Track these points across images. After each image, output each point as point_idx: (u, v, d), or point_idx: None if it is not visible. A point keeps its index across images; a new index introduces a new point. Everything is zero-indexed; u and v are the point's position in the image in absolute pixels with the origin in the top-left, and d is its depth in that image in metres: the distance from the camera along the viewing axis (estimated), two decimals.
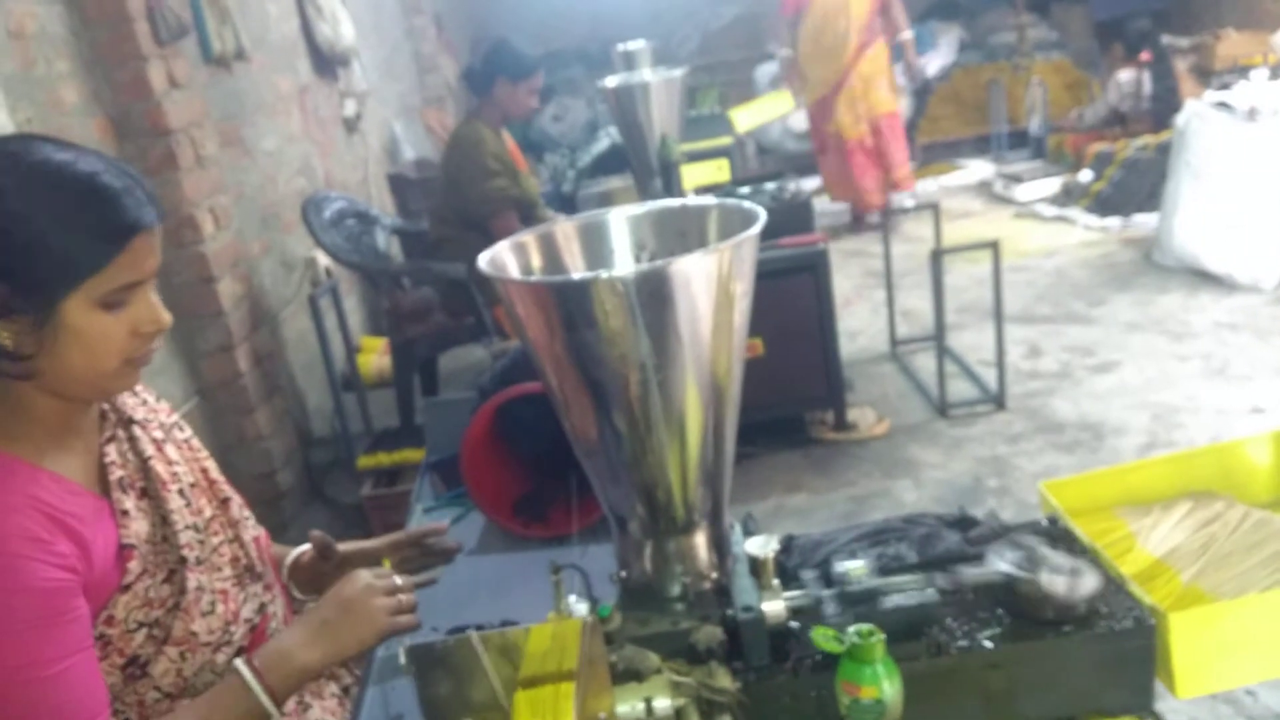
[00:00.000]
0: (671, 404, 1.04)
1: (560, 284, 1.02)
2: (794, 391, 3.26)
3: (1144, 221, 4.85)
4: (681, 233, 1.14)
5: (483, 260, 1.05)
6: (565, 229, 1.14)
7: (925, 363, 3.68)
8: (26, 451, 1.04)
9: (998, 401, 3.33)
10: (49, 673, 0.97)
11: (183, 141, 2.88)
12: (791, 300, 3.19)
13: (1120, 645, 1.04)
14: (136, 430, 1.15)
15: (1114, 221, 5.05)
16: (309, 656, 1.10)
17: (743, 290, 1.06)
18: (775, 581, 1.09)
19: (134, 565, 1.08)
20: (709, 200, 1.14)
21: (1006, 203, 5.80)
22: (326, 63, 4.69)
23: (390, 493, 3.02)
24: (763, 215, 1.08)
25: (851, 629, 0.97)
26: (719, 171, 4.74)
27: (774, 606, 1.06)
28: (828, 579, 1.11)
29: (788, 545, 1.25)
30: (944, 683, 1.04)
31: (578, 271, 1.12)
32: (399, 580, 1.17)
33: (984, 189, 6.19)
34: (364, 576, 1.16)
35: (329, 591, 1.17)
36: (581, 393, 1.04)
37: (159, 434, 1.19)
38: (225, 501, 1.25)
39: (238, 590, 1.19)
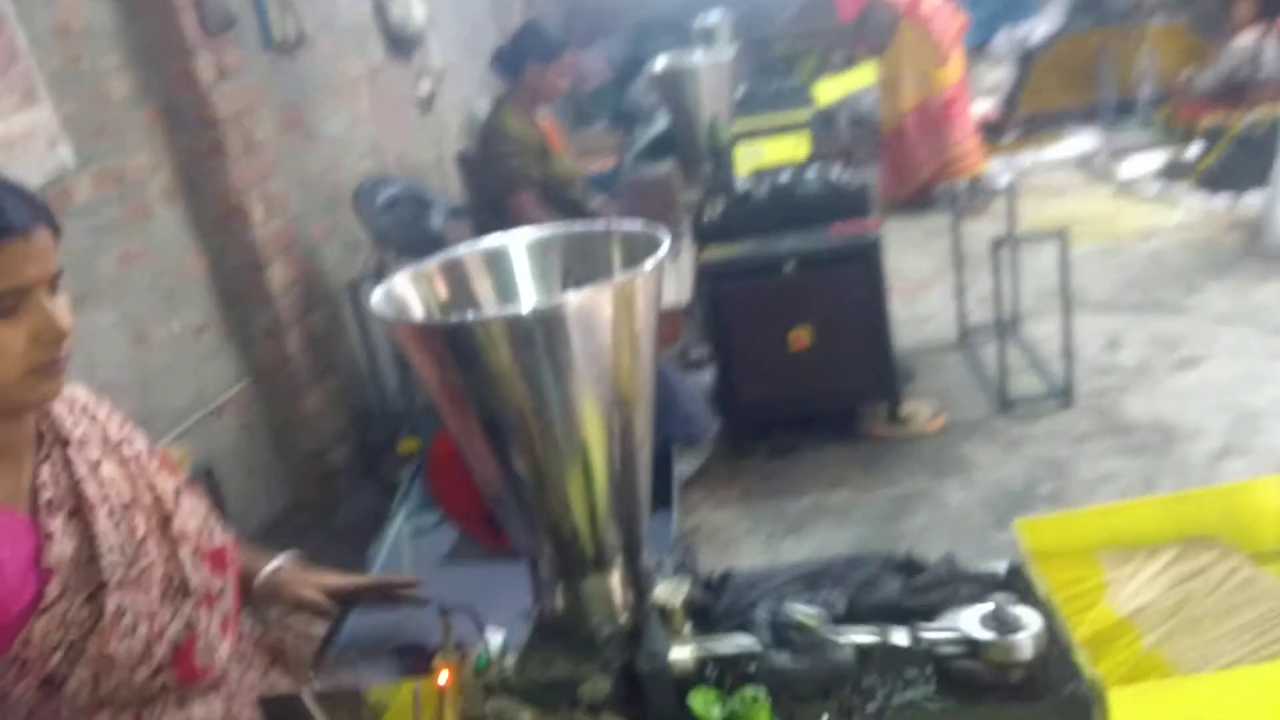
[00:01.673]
0: (570, 443, 0.99)
1: (439, 326, 0.97)
2: (844, 384, 3.15)
3: (1253, 203, 4.50)
4: (587, 260, 1.07)
5: (378, 295, 1.01)
6: (473, 259, 1.09)
7: (995, 354, 3.50)
8: None
9: (1064, 398, 3.14)
10: None
11: (231, 131, 2.94)
12: (842, 289, 3.06)
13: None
14: (71, 451, 1.16)
15: (1220, 202, 4.70)
16: None
17: (643, 323, 0.99)
18: (687, 628, 1.03)
19: (52, 588, 1.08)
20: (609, 227, 1.08)
21: (1108, 179, 5.46)
22: (400, 43, 4.72)
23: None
24: (664, 246, 1.00)
25: (742, 692, 0.91)
26: (797, 147, 4.59)
27: (681, 655, 1.01)
28: (746, 626, 1.04)
29: (722, 583, 1.18)
30: None
31: (483, 303, 1.07)
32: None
33: (1085, 163, 5.84)
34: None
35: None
36: (476, 432, 1.00)
37: (95, 453, 1.19)
38: (166, 520, 1.24)
39: (166, 609, 1.19)
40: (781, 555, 2.62)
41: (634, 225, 1.07)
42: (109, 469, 1.19)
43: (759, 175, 3.30)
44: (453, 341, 0.94)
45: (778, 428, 3.18)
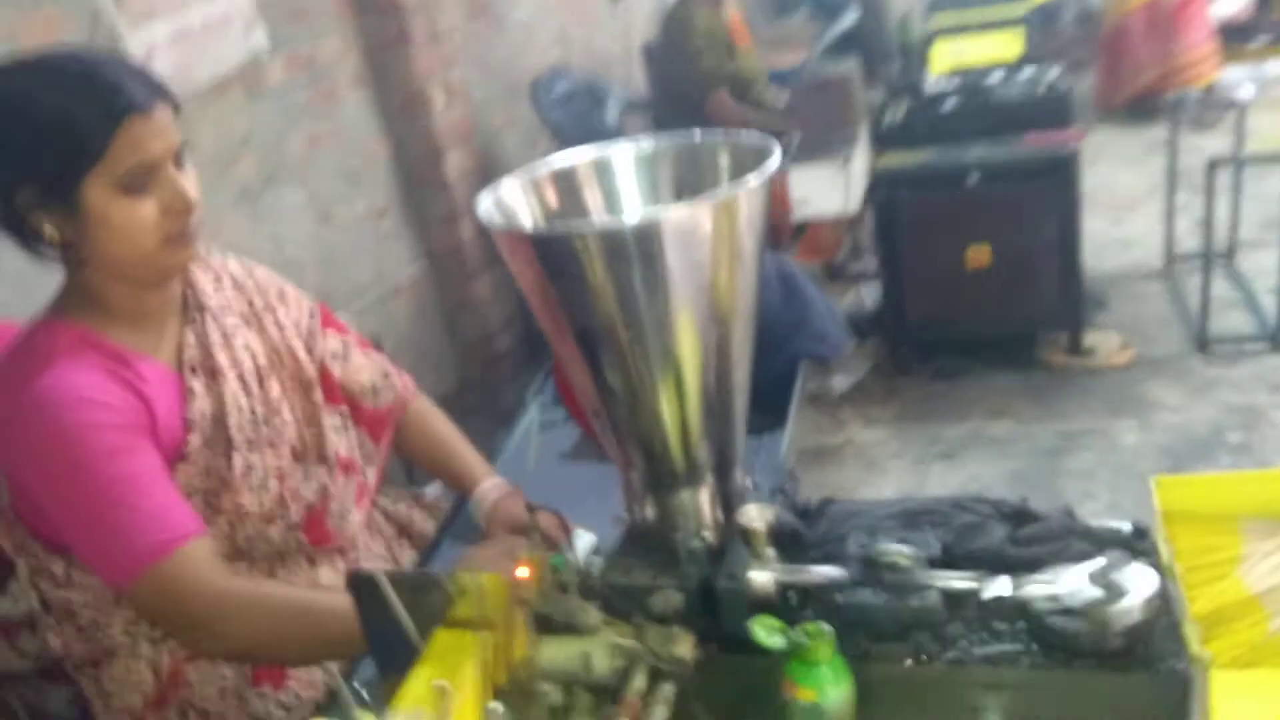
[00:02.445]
0: (664, 358, 0.97)
1: (534, 236, 0.97)
2: (1024, 308, 2.96)
3: None
4: (694, 170, 1.03)
5: (485, 199, 1.01)
6: (585, 167, 1.07)
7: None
8: (103, 329, 1.15)
9: (1273, 340, 2.83)
10: (141, 484, 1.09)
11: (417, 18, 3.01)
12: (1031, 205, 2.85)
13: (1148, 695, 0.88)
14: (208, 317, 1.24)
15: None
16: None
17: (746, 239, 0.95)
18: (770, 552, 1.01)
19: (194, 438, 1.17)
20: (719, 137, 1.03)
21: None
22: None
23: None
24: (776, 155, 0.95)
25: (806, 625, 0.89)
26: (1008, 45, 4.24)
27: (761, 578, 0.99)
28: (836, 557, 1.02)
29: (820, 511, 1.14)
30: (919, 696, 0.93)
31: (590, 213, 1.06)
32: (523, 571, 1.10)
33: None
34: (503, 545, 1.22)
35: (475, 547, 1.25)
36: (570, 343, 1.00)
37: (232, 321, 1.26)
38: (307, 386, 1.32)
39: (298, 471, 1.27)
40: (929, 482, 2.53)
41: (745, 136, 1.02)
42: (247, 337, 1.27)
43: (953, 77, 3.08)
44: (548, 251, 0.93)
45: (945, 349, 3.04)
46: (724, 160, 1.02)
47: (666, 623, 0.99)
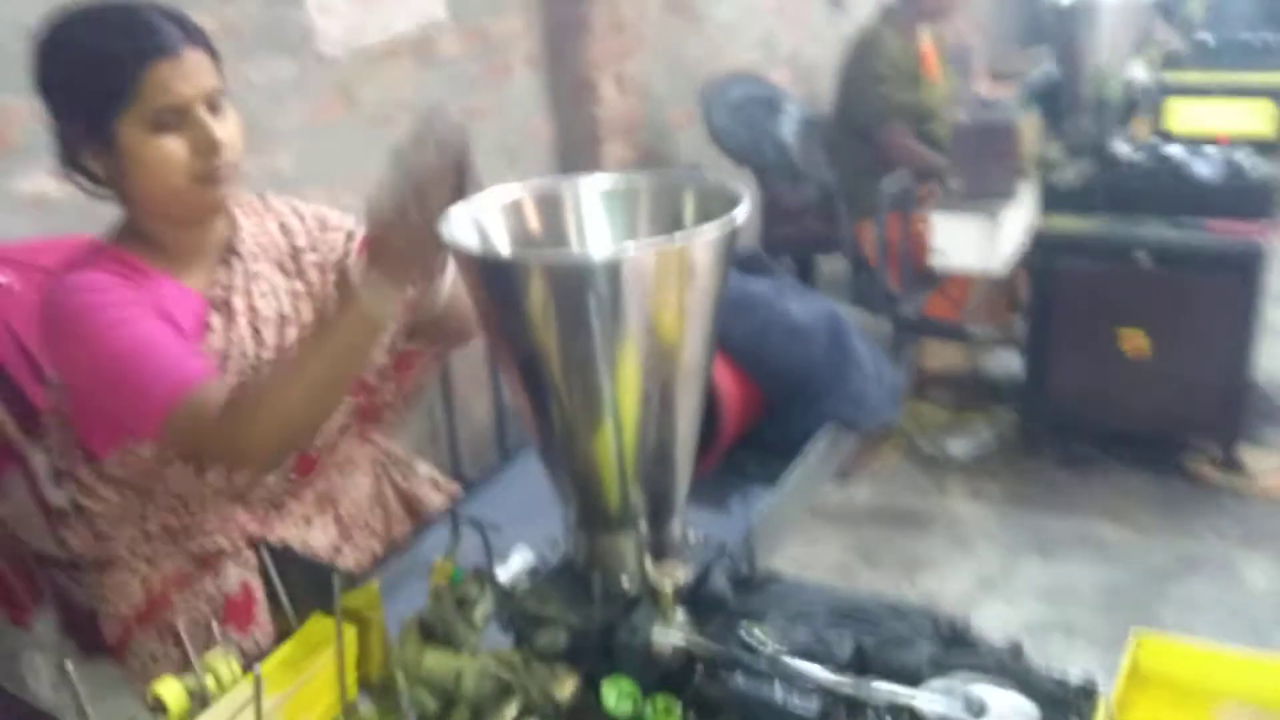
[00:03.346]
0: (598, 399, 0.95)
1: (484, 260, 0.96)
2: (1178, 407, 2.69)
3: None
4: (660, 211, 1.00)
5: (461, 212, 1.01)
6: (573, 193, 1.05)
7: None
8: (147, 258, 1.23)
9: None
10: (155, 341, 1.15)
11: (600, 6, 3.05)
12: (1204, 298, 2.59)
13: None
14: (235, 260, 1.29)
15: None
16: (397, 278, 1.10)
17: (698, 287, 0.91)
18: (677, 613, 0.98)
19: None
20: (687, 176, 0.99)
21: None
22: None
23: None
24: (744, 204, 0.91)
25: (657, 698, 0.85)
26: (1257, 116, 3.83)
27: (663, 639, 0.96)
28: (741, 641, 0.96)
29: (759, 584, 1.08)
30: None
31: (557, 242, 1.04)
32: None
33: None
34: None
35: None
36: (513, 368, 0.99)
37: (259, 267, 1.30)
38: None
39: None
40: (1015, 576, 2.35)
41: (715, 179, 0.98)
42: (275, 283, 1.30)
43: (1147, 145, 2.83)
44: (492, 274, 0.93)
45: (1082, 435, 2.81)
46: (689, 204, 0.98)
47: (549, 660, 0.97)
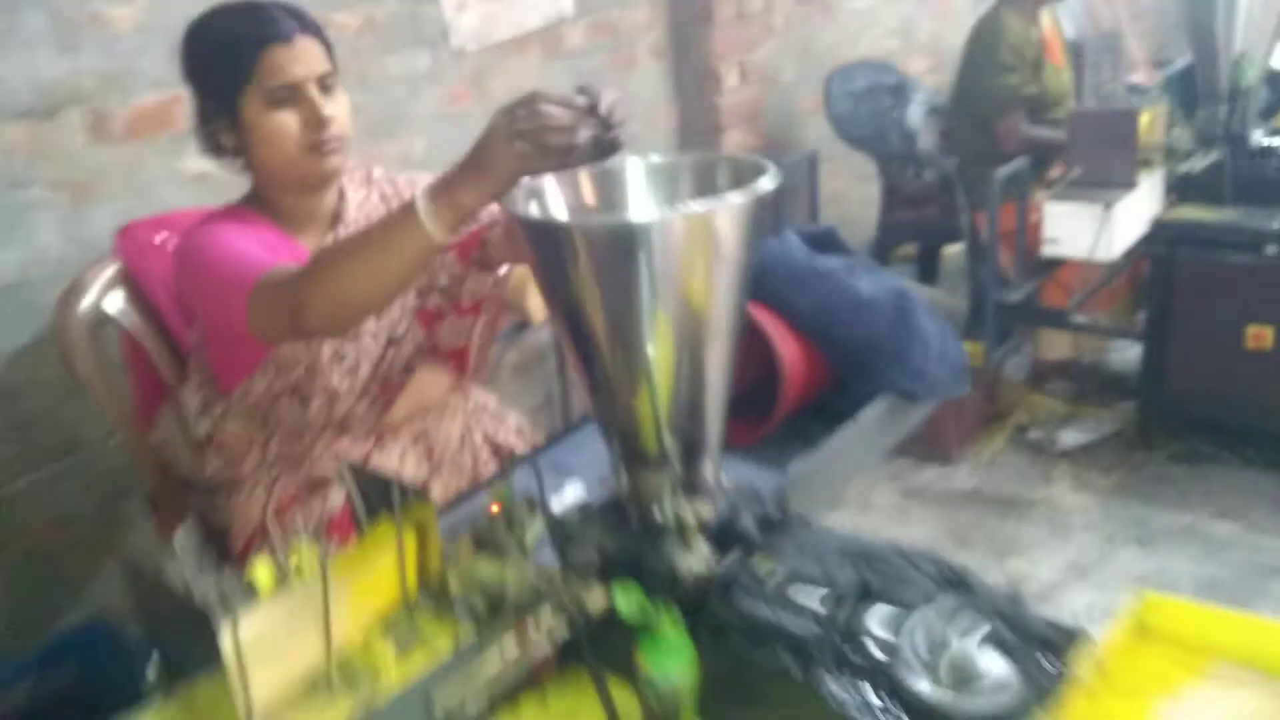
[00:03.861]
0: (635, 352, 1.07)
1: (535, 223, 1.09)
2: None
3: None
4: (701, 186, 1.11)
5: (520, 189, 1.12)
6: (627, 170, 1.18)
7: None
8: (269, 219, 1.42)
9: None
10: (249, 257, 1.30)
11: (724, 0, 3.15)
12: None
13: None
14: (341, 227, 1.46)
15: None
16: (465, 195, 1.11)
17: (725, 253, 1.02)
18: (701, 544, 1.09)
19: None
20: (722, 155, 1.09)
21: None
22: None
23: None
24: (769, 177, 1.01)
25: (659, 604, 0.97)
26: None
27: (684, 564, 1.08)
28: (751, 569, 1.07)
29: (781, 526, 1.18)
30: (767, 703, 0.98)
31: (606, 212, 1.16)
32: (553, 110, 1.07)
33: None
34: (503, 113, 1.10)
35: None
36: (564, 326, 1.12)
37: None
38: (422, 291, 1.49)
39: (390, 353, 1.47)
40: (1110, 561, 2.33)
41: (748, 158, 1.08)
42: None
43: None
44: (542, 237, 1.07)
45: (1201, 430, 2.73)
46: (723, 178, 1.09)
47: (585, 576, 1.10)
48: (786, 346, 1.51)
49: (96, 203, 1.96)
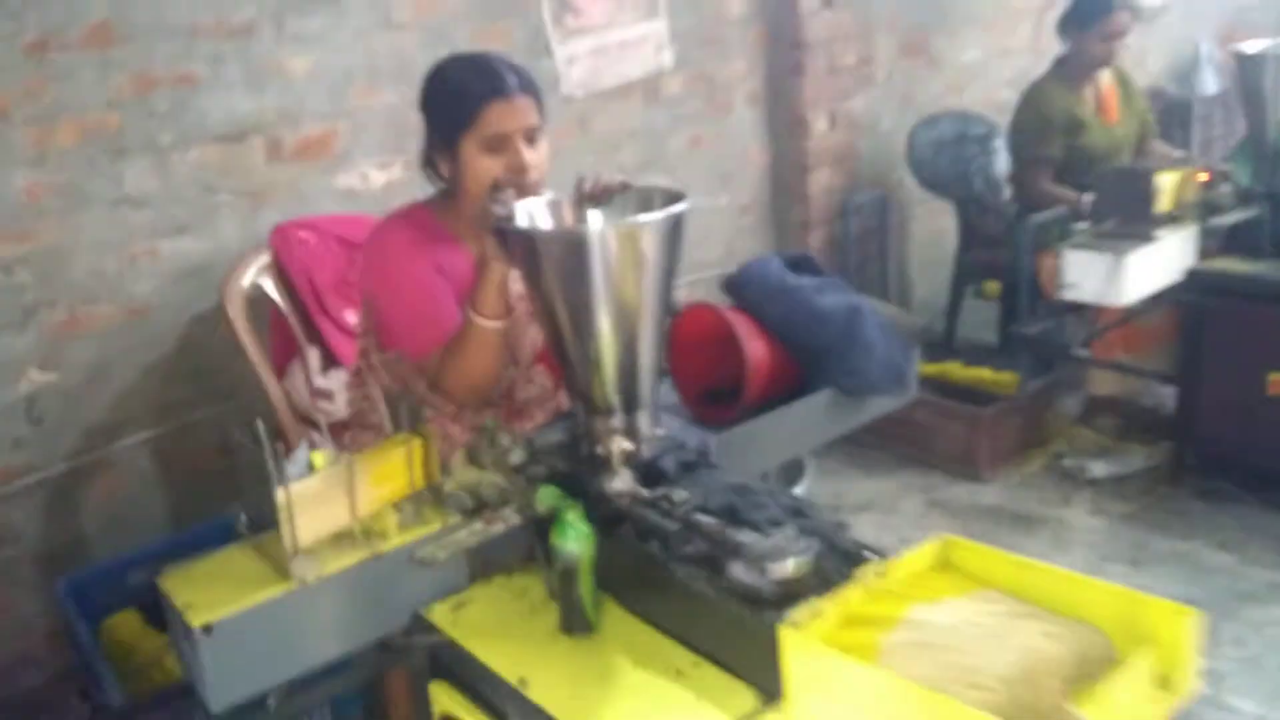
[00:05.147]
0: (586, 328, 1.48)
1: (518, 231, 1.52)
2: None
3: None
4: (646, 209, 1.51)
5: (521, 206, 1.57)
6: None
7: None
8: (446, 223, 1.76)
9: None
10: (436, 293, 1.68)
11: (817, 53, 3.53)
12: None
13: (766, 634, 1.23)
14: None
15: None
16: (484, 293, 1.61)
17: (651, 256, 1.42)
18: (625, 472, 1.50)
19: None
20: (660, 188, 1.50)
21: None
22: None
23: None
24: (681, 205, 1.41)
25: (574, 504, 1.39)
26: None
27: (611, 487, 1.49)
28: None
29: (693, 465, 1.55)
30: (636, 578, 1.38)
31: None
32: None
33: None
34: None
35: None
36: (539, 310, 1.54)
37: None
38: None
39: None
40: (1095, 575, 2.52)
41: (675, 189, 1.48)
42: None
43: None
44: (522, 242, 1.50)
45: (1229, 471, 2.87)
46: (659, 204, 1.49)
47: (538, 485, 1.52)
48: (754, 347, 1.88)
49: (268, 207, 2.55)
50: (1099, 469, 3.02)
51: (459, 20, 2.81)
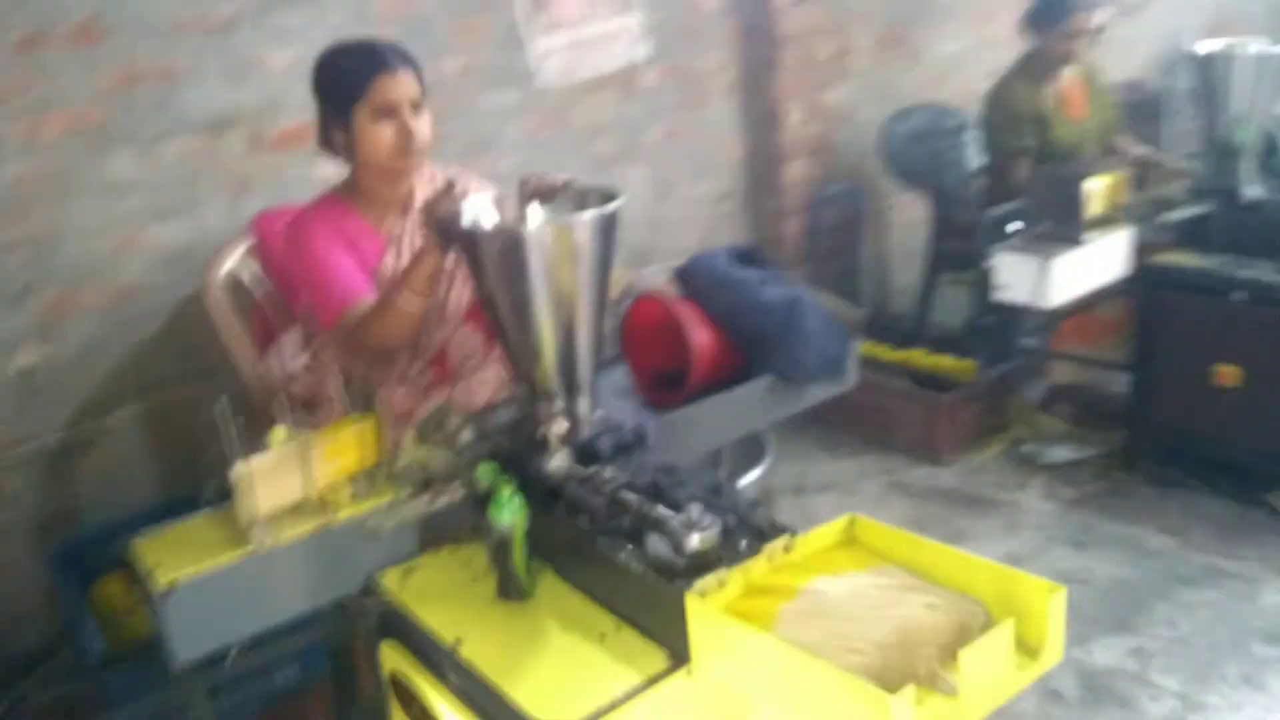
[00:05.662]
0: (527, 319, 1.59)
1: (462, 231, 1.61)
2: (1263, 441, 2.79)
3: None
4: (583, 206, 1.61)
5: (469, 203, 1.67)
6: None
7: None
8: (355, 204, 2.00)
9: None
10: (337, 265, 1.92)
11: (791, 47, 3.61)
12: None
13: (661, 596, 1.35)
14: (409, 216, 2.02)
15: None
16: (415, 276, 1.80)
17: (587, 252, 1.52)
18: (563, 451, 1.61)
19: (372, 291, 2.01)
20: (597, 186, 1.60)
21: None
22: None
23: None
24: (616, 203, 1.51)
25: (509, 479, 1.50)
26: None
27: (547, 465, 1.60)
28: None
29: (630, 445, 1.66)
30: (565, 549, 1.50)
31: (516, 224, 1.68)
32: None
33: None
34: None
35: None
36: (486, 301, 1.65)
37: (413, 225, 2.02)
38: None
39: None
40: (1041, 556, 2.65)
41: (610, 188, 1.58)
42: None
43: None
44: (467, 238, 1.60)
45: (1181, 459, 2.98)
46: (594, 202, 1.59)
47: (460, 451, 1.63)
48: (698, 335, 1.99)
49: (249, 196, 2.66)
50: (1055, 454, 3.12)
51: (434, 16, 2.91)
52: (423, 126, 1.92)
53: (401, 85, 1.88)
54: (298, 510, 1.57)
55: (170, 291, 2.59)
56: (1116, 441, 3.12)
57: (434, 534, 1.67)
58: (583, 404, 1.68)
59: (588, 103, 3.30)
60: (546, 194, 1.69)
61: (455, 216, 1.65)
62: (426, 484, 1.64)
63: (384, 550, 1.62)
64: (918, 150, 3.82)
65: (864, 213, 3.99)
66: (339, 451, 1.61)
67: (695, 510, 1.43)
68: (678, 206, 3.65)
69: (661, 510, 1.43)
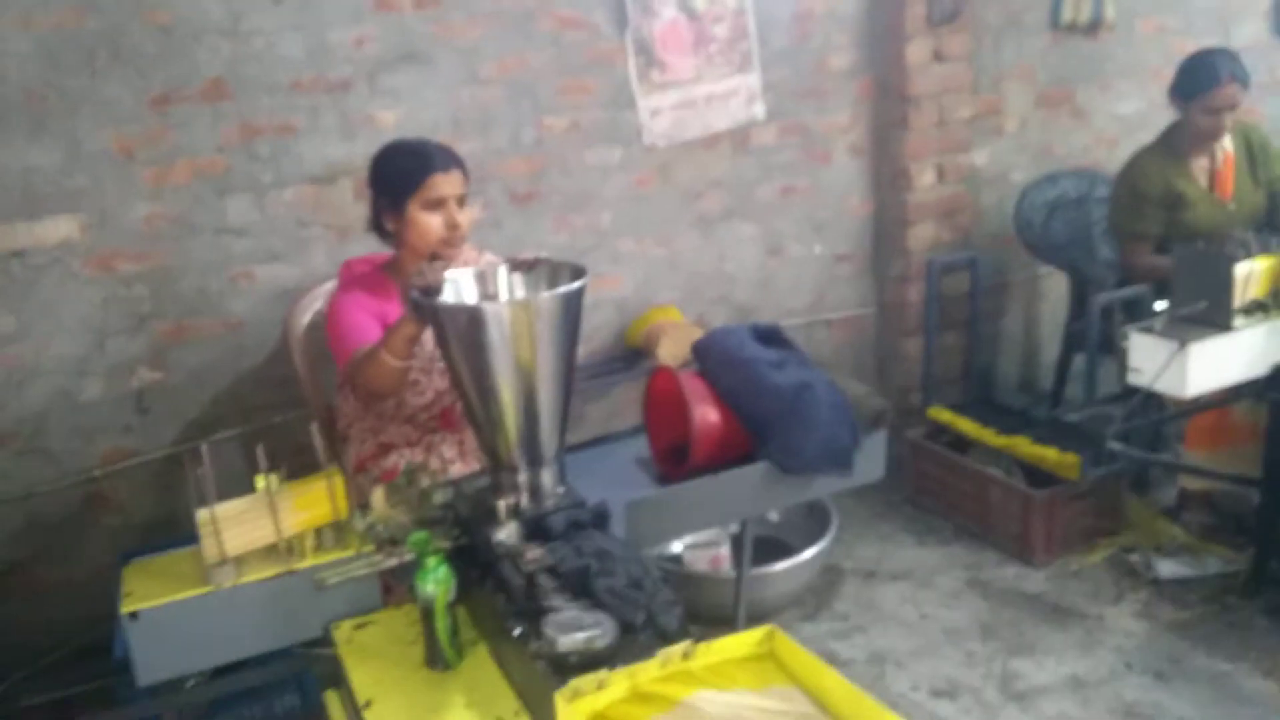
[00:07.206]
0: (489, 392, 1.65)
1: (427, 306, 1.69)
2: None
3: None
4: (556, 282, 1.64)
5: (451, 274, 1.75)
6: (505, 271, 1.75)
7: None
8: (395, 281, 2.19)
9: None
10: (357, 326, 2.14)
11: (925, 107, 3.47)
12: None
13: (540, 688, 1.35)
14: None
15: None
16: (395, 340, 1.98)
17: (549, 326, 1.56)
18: (511, 524, 1.64)
19: None
20: (538, 262, 1.63)
21: None
22: None
23: (933, 448, 3.34)
24: (580, 281, 1.54)
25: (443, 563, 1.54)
26: None
27: (494, 537, 1.64)
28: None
29: (572, 529, 1.66)
30: (491, 625, 1.52)
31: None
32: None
33: None
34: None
35: None
36: (453, 372, 1.71)
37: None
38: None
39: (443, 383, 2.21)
40: (1112, 683, 2.38)
41: (561, 261, 1.60)
42: None
43: None
44: (434, 315, 1.67)
45: None
46: (566, 278, 1.61)
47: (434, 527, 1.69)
48: (702, 412, 1.97)
49: (353, 241, 2.87)
50: (1166, 568, 2.81)
51: (542, 75, 3.02)
52: (466, 218, 2.19)
53: (451, 182, 2.15)
54: (269, 554, 1.69)
55: (275, 326, 2.83)
56: (1245, 562, 2.77)
57: (401, 591, 1.74)
58: (546, 477, 1.71)
59: (695, 159, 3.32)
60: (523, 267, 1.75)
61: (434, 289, 1.73)
62: (392, 542, 1.71)
63: (345, 601, 1.71)
64: (1058, 220, 3.56)
65: (1000, 282, 3.76)
66: (309, 504, 1.71)
67: (573, 611, 1.43)
68: (789, 266, 3.59)
69: (555, 602, 1.44)
